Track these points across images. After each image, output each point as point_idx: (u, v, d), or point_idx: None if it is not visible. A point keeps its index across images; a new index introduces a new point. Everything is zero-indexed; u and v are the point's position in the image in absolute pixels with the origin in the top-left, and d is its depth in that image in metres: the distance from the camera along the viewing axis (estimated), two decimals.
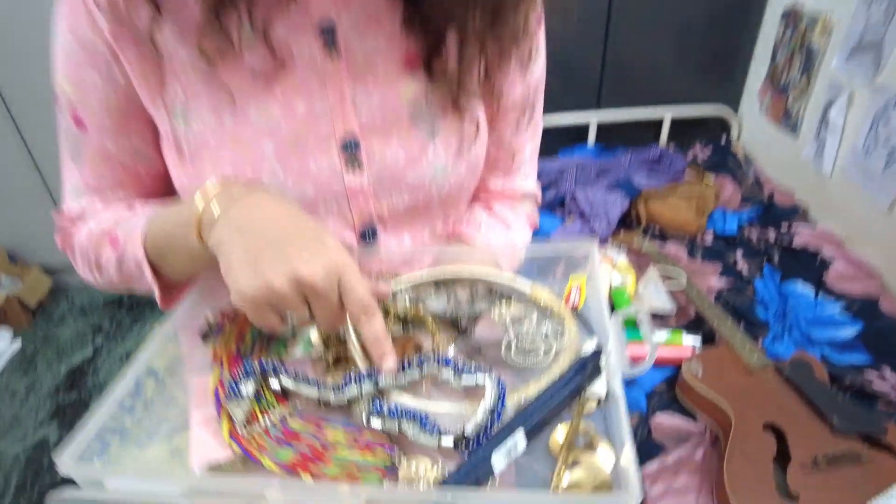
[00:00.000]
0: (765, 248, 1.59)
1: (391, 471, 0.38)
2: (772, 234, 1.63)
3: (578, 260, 0.58)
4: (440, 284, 0.57)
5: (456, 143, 0.58)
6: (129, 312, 2.35)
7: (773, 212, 1.72)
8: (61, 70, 0.53)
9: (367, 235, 0.59)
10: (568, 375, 0.42)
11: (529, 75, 0.62)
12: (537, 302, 0.52)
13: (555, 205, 1.83)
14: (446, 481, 0.35)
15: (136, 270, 0.54)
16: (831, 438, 0.99)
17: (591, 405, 0.42)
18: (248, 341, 0.48)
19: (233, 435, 0.40)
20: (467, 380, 0.42)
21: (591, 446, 0.40)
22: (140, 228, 0.53)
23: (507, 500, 0.33)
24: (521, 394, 0.42)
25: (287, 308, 0.42)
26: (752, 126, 2.08)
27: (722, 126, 2.14)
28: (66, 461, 0.38)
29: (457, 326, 0.51)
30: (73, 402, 1.97)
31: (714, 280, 1.48)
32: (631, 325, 1.35)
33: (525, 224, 0.71)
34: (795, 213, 1.71)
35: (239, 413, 0.40)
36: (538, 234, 1.81)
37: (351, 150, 0.55)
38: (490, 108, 0.61)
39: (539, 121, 0.67)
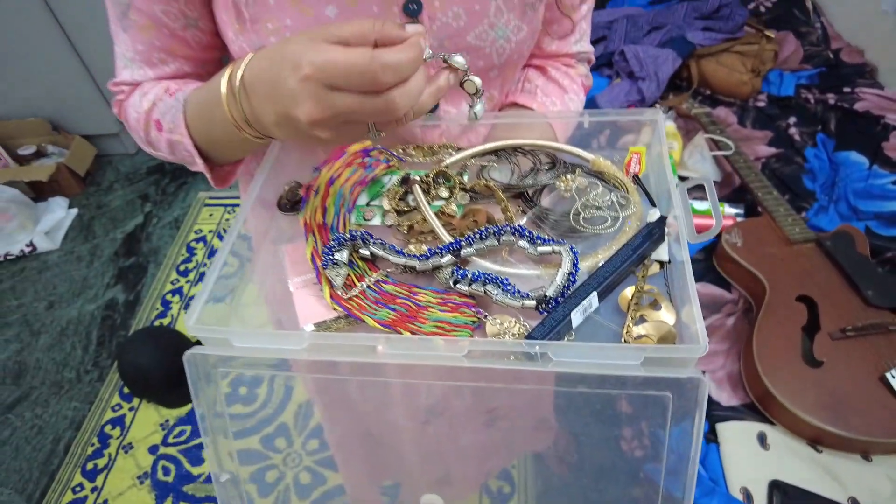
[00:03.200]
0: (822, 112, 1.52)
1: (478, 328, 0.43)
2: (831, 98, 1.54)
3: (634, 126, 0.57)
4: (502, 155, 0.58)
5: (519, 3, 0.56)
6: (172, 180, 2.44)
7: (838, 72, 1.62)
8: None
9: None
10: (635, 242, 0.45)
11: None
12: (600, 171, 0.54)
13: (601, 62, 1.73)
14: (532, 335, 0.39)
15: (189, 157, 0.56)
16: (863, 311, 1.02)
17: (655, 268, 0.46)
18: (331, 213, 0.52)
19: (334, 297, 0.45)
20: (543, 248, 0.45)
21: (654, 305, 0.44)
22: (182, 118, 0.54)
23: (588, 348, 0.38)
24: (593, 259, 0.45)
25: (350, 82, 0.38)
26: None
27: None
28: (195, 325, 0.43)
29: (523, 196, 0.54)
30: (132, 265, 2.14)
31: (762, 148, 1.45)
32: None
33: (580, 88, 0.69)
34: (863, 73, 1.60)
35: (338, 278, 0.45)
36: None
37: (413, 12, 0.53)
38: None
39: None
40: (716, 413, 0.98)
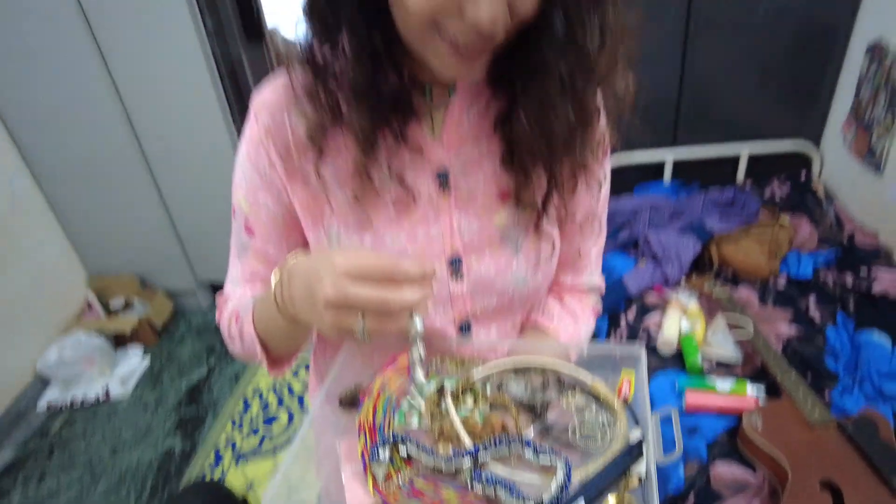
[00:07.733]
0: (840, 293, 1.59)
1: None
2: (849, 279, 1.62)
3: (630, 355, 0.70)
4: (518, 371, 0.72)
5: (535, 257, 0.74)
6: None
7: (853, 254, 1.71)
8: (241, 190, 0.71)
9: (464, 328, 0.76)
10: (618, 458, 0.56)
11: (598, 195, 0.76)
12: (596, 394, 0.66)
13: (628, 246, 1.90)
14: None
15: (250, 344, 0.68)
16: (890, 499, 1.02)
17: (634, 481, 0.56)
18: (380, 415, 0.66)
19: (376, 488, 0.57)
20: (543, 459, 0.56)
21: None
22: (250, 309, 0.67)
23: None
24: (583, 471, 0.56)
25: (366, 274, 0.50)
26: (834, 162, 2.04)
27: (802, 162, 2.12)
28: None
29: (533, 410, 0.66)
30: (192, 416, 2.27)
31: (784, 327, 1.51)
32: (696, 373, 1.43)
33: (590, 315, 0.85)
34: (877, 256, 1.69)
35: (379, 472, 0.57)
36: (612, 273, 1.88)
37: (456, 265, 0.72)
38: (563, 225, 0.75)
39: (604, 226, 0.81)
40: None
